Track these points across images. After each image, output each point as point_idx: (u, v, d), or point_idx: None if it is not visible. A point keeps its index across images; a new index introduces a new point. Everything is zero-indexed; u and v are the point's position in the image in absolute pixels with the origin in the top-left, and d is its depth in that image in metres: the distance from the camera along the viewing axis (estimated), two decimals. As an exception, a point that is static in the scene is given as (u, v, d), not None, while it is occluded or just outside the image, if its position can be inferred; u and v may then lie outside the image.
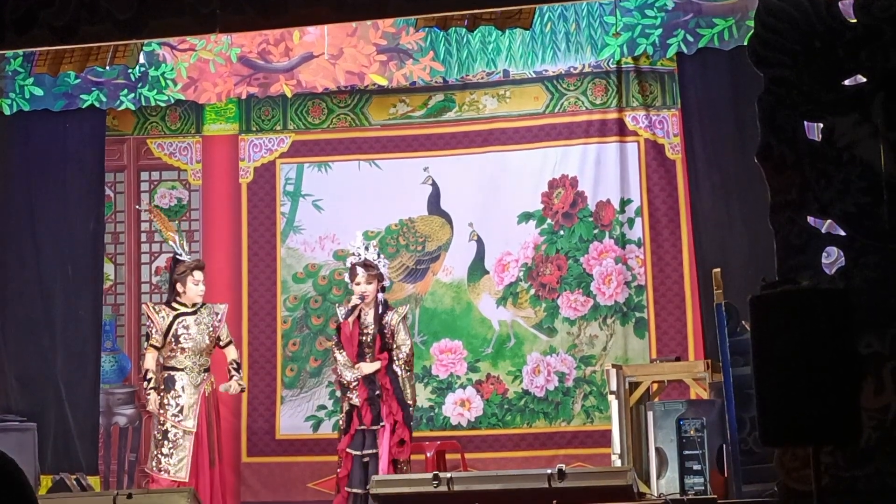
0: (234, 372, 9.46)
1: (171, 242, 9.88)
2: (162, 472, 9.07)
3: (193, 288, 9.40)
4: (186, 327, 9.35)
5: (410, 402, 9.15)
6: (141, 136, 11.46)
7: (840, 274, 6.87)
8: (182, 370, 9.26)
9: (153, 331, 9.37)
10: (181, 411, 9.16)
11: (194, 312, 9.43)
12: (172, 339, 9.30)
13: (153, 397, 9.25)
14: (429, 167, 11.15)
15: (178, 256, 9.63)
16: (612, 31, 9.93)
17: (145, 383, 9.36)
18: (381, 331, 9.12)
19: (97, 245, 10.98)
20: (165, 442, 9.12)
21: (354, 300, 9.16)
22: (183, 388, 9.21)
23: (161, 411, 9.20)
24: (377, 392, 9.03)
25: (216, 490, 9.19)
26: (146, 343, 9.47)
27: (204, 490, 8.97)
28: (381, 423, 8.97)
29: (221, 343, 9.51)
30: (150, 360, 9.36)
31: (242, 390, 9.66)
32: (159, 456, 9.12)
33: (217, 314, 9.51)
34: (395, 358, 9.10)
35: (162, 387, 9.25)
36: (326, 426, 10.85)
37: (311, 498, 10.70)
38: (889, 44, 6.87)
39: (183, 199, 11.41)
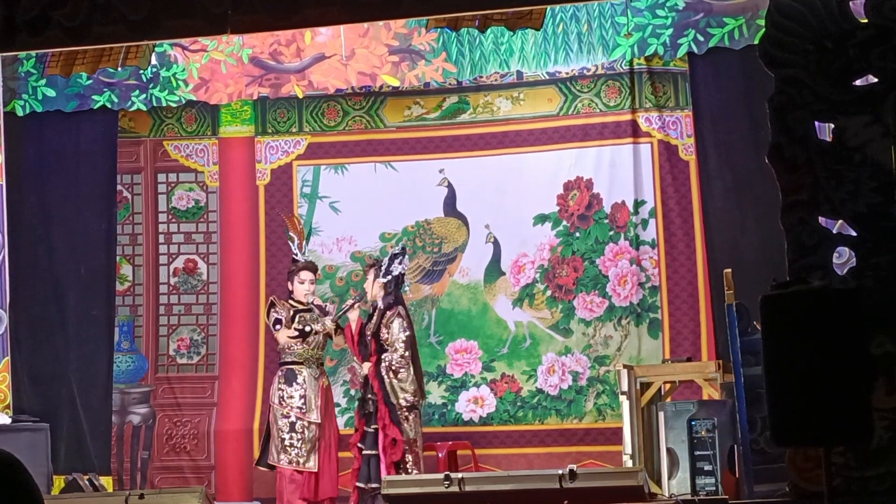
0: (327, 309, 9.62)
1: (291, 242, 9.97)
2: (291, 464, 9.24)
3: (300, 287, 9.60)
4: (306, 323, 9.51)
5: (409, 401, 9.14)
6: (157, 138, 11.48)
7: (851, 274, 6.87)
8: (302, 363, 9.44)
9: (281, 318, 9.52)
10: (305, 403, 9.32)
11: (309, 310, 9.58)
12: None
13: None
14: (444, 169, 11.15)
15: (294, 256, 9.79)
16: (623, 31, 9.91)
17: (294, 330, 9.46)
18: (377, 333, 9.20)
19: (110, 245, 11.00)
20: (294, 434, 9.26)
21: (350, 301, 9.34)
22: (304, 380, 9.38)
23: (284, 404, 9.33)
24: (369, 395, 9.15)
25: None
26: (278, 327, 9.52)
27: (332, 477, 9.28)
28: (374, 426, 9.08)
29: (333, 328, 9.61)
30: (283, 334, 9.52)
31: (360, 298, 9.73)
32: (287, 448, 9.24)
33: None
34: (382, 360, 9.14)
35: (283, 381, 9.39)
36: (339, 423, 10.84)
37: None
38: (900, 44, 6.86)
39: (200, 200, 11.43)
